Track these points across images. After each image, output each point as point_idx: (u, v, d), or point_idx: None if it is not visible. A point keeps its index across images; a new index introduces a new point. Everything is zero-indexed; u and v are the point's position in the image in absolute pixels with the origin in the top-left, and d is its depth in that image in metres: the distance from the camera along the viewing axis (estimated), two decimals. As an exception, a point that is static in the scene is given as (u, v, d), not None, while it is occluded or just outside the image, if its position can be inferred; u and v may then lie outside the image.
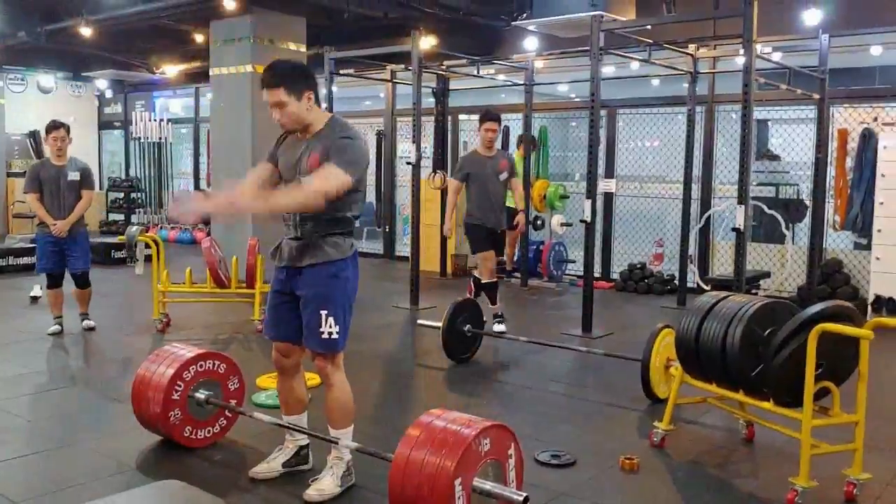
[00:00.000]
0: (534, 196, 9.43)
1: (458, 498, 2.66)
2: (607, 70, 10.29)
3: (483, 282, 6.61)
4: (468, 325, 5.63)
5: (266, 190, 3.34)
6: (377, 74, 10.52)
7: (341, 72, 8.50)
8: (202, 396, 3.81)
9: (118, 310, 6.90)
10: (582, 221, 6.66)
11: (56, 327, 6.44)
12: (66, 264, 6.38)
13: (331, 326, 3.22)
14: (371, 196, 12.09)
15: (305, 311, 3.25)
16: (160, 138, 13.74)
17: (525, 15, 8.04)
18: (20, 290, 8.25)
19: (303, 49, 9.51)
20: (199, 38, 10.49)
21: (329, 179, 3.07)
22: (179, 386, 3.74)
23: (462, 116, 11.07)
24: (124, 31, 10.20)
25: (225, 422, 3.96)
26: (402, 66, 9.13)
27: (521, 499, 2.71)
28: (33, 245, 10.01)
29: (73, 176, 6.31)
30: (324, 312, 3.22)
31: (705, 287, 7.86)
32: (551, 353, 5.91)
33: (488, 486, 2.75)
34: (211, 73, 9.57)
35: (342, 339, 3.28)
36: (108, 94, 15.48)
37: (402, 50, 7.75)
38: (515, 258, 9.47)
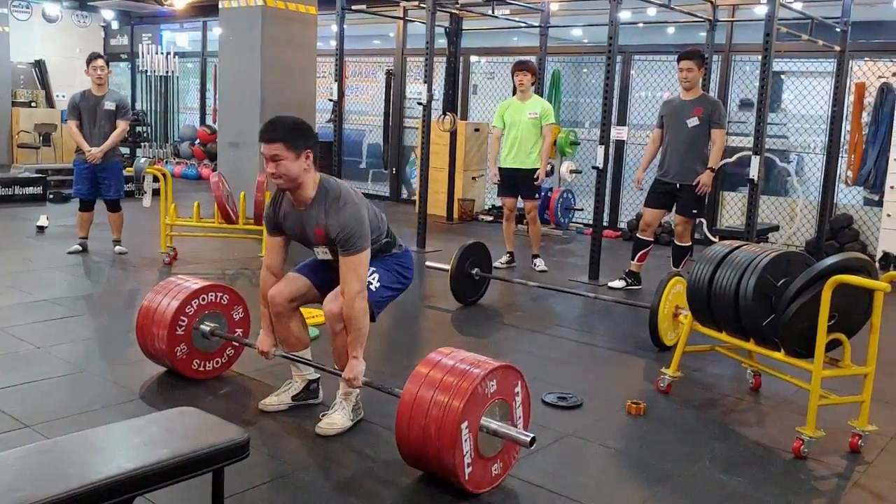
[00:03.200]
0: (544, 142, 9.32)
1: (465, 440, 2.69)
2: (623, 15, 10.12)
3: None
4: (476, 269, 5.62)
5: (283, 263, 3.46)
6: (389, 12, 10.32)
7: (353, 8, 8.32)
8: (207, 328, 3.81)
9: (125, 242, 6.89)
10: (594, 168, 6.61)
11: (77, 247, 6.80)
12: (99, 191, 6.75)
13: (372, 277, 3.32)
14: (378, 137, 12.00)
15: None
16: (167, 72, 13.55)
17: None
18: (27, 220, 8.25)
19: (315, -16, 9.31)
20: (208, -32, 10.27)
21: (355, 274, 3.15)
22: (184, 319, 3.75)
23: (473, 58, 10.91)
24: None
25: (232, 353, 3.98)
26: (416, 3, 8.93)
27: (527, 439, 2.74)
28: (39, 175, 10.06)
29: (110, 106, 6.65)
30: (372, 268, 3.31)
31: (713, 238, 7.83)
32: (559, 299, 5.92)
33: (495, 425, 2.77)
34: (220, 6, 9.38)
35: (377, 294, 3.34)
36: (115, 25, 15.24)
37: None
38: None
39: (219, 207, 6.52)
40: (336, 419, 3.31)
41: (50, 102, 14.46)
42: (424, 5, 7.46)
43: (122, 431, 2.17)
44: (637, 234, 6.42)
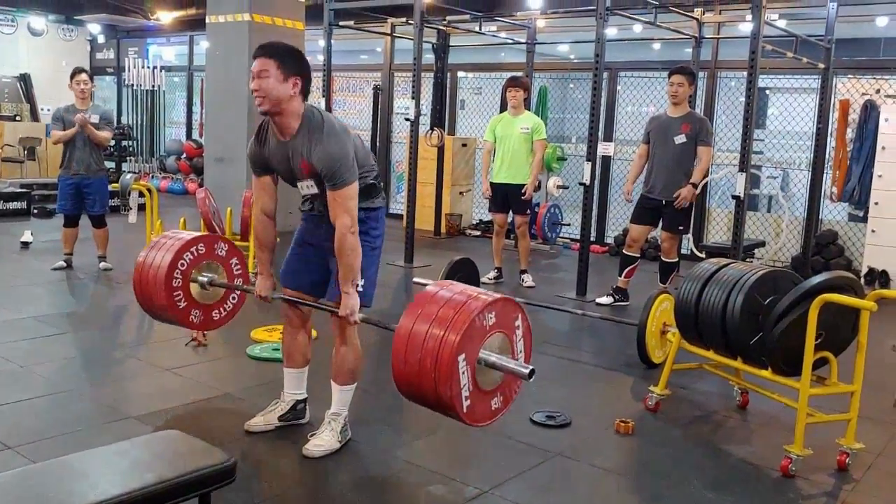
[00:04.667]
0: (531, 157, 9.35)
1: (463, 373, 2.59)
2: (609, 32, 10.19)
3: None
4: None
5: (274, 202, 3.35)
6: (377, 28, 10.34)
7: (341, 23, 8.33)
8: (205, 279, 3.74)
9: (111, 258, 6.84)
10: (581, 184, 6.63)
11: (62, 263, 6.77)
12: (83, 207, 6.72)
13: (359, 281, 3.18)
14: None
15: (333, 263, 3.20)
16: (153, 86, 13.52)
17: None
18: (11, 235, 8.17)
19: (302, -1, 9.34)
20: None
21: (343, 208, 3.05)
22: (180, 269, 3.66)
23: (461, 73, 10.94)
24: (119, -26, 9.98)
25: (233, 303, 3.94)
26: (403, 19, 8.96)
27: (526, 371, 2.64)
28: (23, 190, 9.99)
29: (94, 119, 6.63)
30: None
31: (699, 254, 7.87)
32: (547, 315, 5.91)
33: (494, 358, 2.66)
34: (207, 21, 9.39)
35: (366, 294, 3.27)
36: (101, 39, 15.18)
37: (403, 3, 7.60)
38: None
39: (205, 223, 6.49)
40: (324, 440, 3.28)
41: (35, 116, 14.37)
42: (412, 21, 7.47)
43: (107, 456, 2.14)
44: (624, 251, 6.44)
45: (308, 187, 3.21)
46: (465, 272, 5.65)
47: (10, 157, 13.34)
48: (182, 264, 3.67)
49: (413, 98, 7.50)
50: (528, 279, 6.95)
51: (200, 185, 9.91)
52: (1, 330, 4.89)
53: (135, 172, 11.92)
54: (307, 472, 3.15)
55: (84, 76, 6.65)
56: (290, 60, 3.05)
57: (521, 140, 6.69)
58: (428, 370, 2.58)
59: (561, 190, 9.54)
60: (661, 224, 6.25)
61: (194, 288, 3.74)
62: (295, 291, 3.41)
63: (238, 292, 3.93)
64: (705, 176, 6.12)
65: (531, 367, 2.65)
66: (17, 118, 14.03)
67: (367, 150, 3.38)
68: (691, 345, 3.96)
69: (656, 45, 10.32)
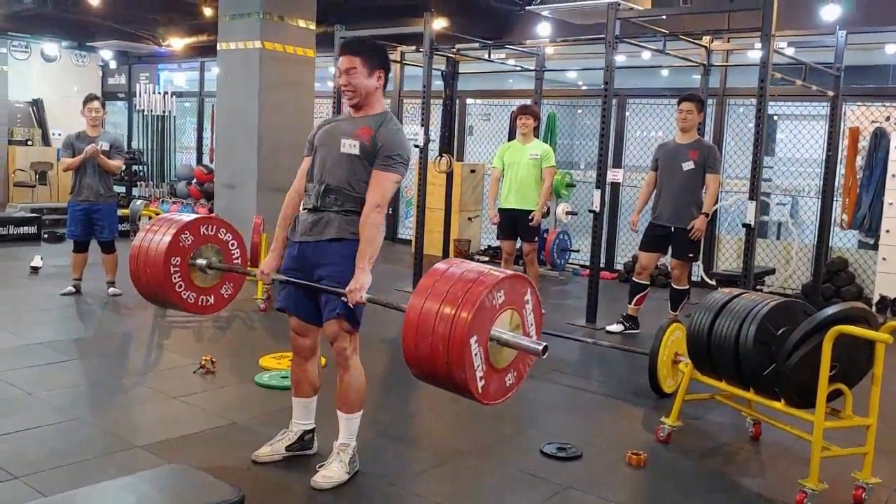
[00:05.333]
0: (539, 183, 9.36)
1: (476, 354, 2.56)
2: (619, 59, 10.23)
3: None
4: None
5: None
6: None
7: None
8: (203, 262, 3.71)
9: (120, 284, 6.84)
10: (590, 211, 6.62)
11: (71, 289, 6.78)
12: (93, 232, 6.76)
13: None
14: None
15: (324, 284, 3.22)
16: (164, 111, 13.61)
17: (539, 0, 7.93)
18: (21, 260, 8.19)
19: (312, 27, 9.39)
20: (207, 11, 10.38)
21: (381, 191, 3.17)
22: (180, 248, 3.64)
23: (469, 100, 10.99)
24: (131, 1, 10.08)
25: (230, 289, 3.89)
26: (413, 47, 9.02)
27: (539, 347, 2.61)
28: (34, 215, 10.04)
29: (104, 146, 6.67)
30: (341, 284, 3.16)
31: (709, 281, 7.83)
32: (556, 343, 5.83)
33: (507, 336, 2.63)
34: (219, 48, 9.44)
35: (358, 317, 3.26)
36: (113, 65, 15.33)
37: (413, 31, 7.66)
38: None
39: (214, 249, 6.48)
40: (332, 472, 3.25)
41: (46, 141, 14.49)
42: (422, 49, 7.52)
43: (114, 491, 2.12)
44: (633, 278, 6.41)
45: (349, 147, 3.22)
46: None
47: (21, 181, 13.44)
48: (182, 244, 3.64)
49: (422, 125, 7.53)
50: None
51: (210, 211, 9.95)
52: (8, 356, 4.89)
53: (145, 198, 11.98)
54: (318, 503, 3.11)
55: (96, 104, 6.72)
56: (375, 55, 3.26)
57: (530, 166, 6.69)
58: (441, 354, 2.55)
59: (570, 216, 9.53)
60: (670, 251, 6.22)
61: (192, 270, 3.70)
62: (299, 321, 3.40)
63: (233, 284, 3.89)
64: (715, 203, 6.10)
65: (544, 344, 2.62)
66: (29, 143, 14.15)
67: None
68: (703, 375, 3.92)
69: (665, 73, 10.35)
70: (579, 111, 11.52)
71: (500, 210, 6.88)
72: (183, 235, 3.64)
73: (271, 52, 8.97)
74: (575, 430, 4.13)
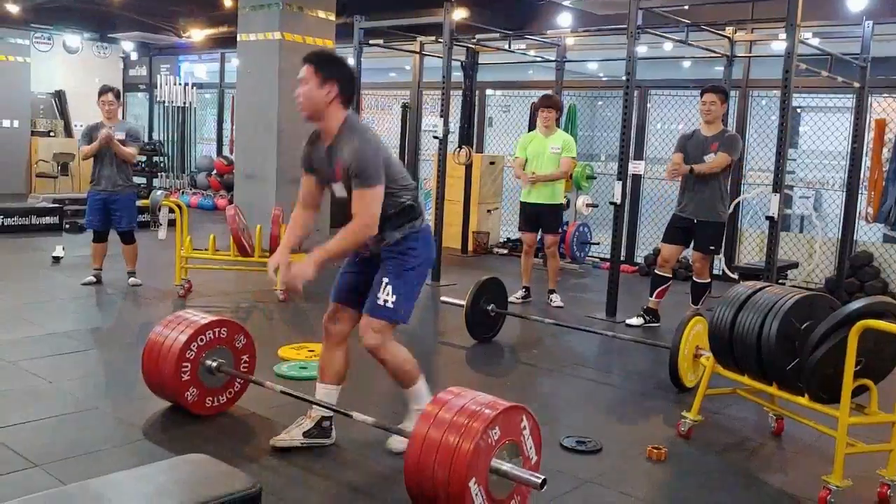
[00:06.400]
0: (559, 176, 9.30)
1: (476, 495, 2.64)
2: (640, 50, 10.12)
3: None
4: (492, 305, 5.55)
5: (316, 202, 3.47)
6: (407, 46, 10.37)
7: (370, 42, 8.36)
8: (213, 364, 3.77)
9: (140, 274, 6.87)
10: (611, 203, 6.56)
11: (91, 278, 6.82)
12: (111, 222, 6.78)
13: (388, 294, 3.26)
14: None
15: (374, 281, 3.33)
16: (184, 103, 13.66)
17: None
18: (43, 250, 8.25)
19: (332, 17, 9.38)
20: (227, 2, 10.38)
21: (365, 208, 3.13)
22: (191, 353, 3.70)
23: (489, 91, 10.93)
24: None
25: (238, 388, 3.93)
26: (432, 38, 8.97)
27: (538, 481, 2.65)
28: (56, 205, 10.11)
29: (120, 135, 6.70)
30: (385, 280, 3.28)
31: (731, 275, 7.75)
32: (576, 336, 5.84)
33: (506, 467, 2.71)
34: (238, 39, 9.47)
35: (397, 311, 3.29)
36: (134, 56, 15.42)
37: (432, 21, 7.61)
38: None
39: (234, 240, 6.50)
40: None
41: (68, 132, 14.59)
42: (441, 40, 7.47)
43: (132, 480, 2.11)
44: (655, 270, 6.35)
45: (339, 190, 3.27)
46: (492, 292, 5.60)
47: (43, 172, 13.56)
48: (197, 344, 3.73)
49: (441, 116, 7.49)
50: (556, 299, 6.88)
51: (230, 202, 9.97)
52: (29, 345, 4.92)
53: (165, 188, 12.02)
54: (329, 495, 3.10)
55: (110, 95, 6.74)
56: (327, 66, 3.17)
57: (552, 160, 6.66)
58: (441, 499, 2.65)
59: (590, 208, 9.45)
60: (692, 244, 6.15)
61: (202, 372, 3.77)
62: (336, 303, 3.49)
63: (239, 385, 3.94)
64: (706, 171, 5.90)
65: (542, 477, 2.66)
66: (52, 134, 14.27)
67: (403, 169, 3.40)
68: (726, 370, 3.87)
69: (686, 63, 10.24)
70: (600, 103, 11.42)
71: (523, 203, 6.86)
72: (200, 338, 3.73)
73: (290, 42, 8.97)
74: (595, 424, 4.10)
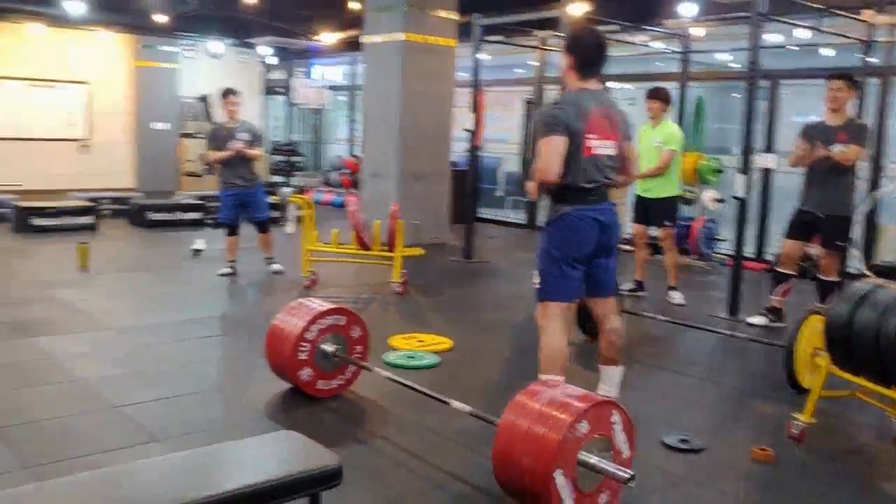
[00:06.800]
0: (685, 169, 9.03)
1: (562, 488, 2.66)
2: (772, 38, 9.66)
3: None
4: (604, 300, 5.47)
5: None
6: (527, 41, 10.37)
7: (490, 39, 8.43)
8: (329, 349, 3.96)
9: (270, 295, 7.27)
10: (734, 198, 6.33)
11: (228, 269, 7.25)
12: (245, 215, 7.26)
13: (535, 278, 3.64)
14: (516, 165, 12.06)
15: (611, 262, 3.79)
16: (319, 105, 14.22)
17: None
18: (186, 243, 8.81)
19: (454, 17, 9.51)
20: (354, 5, 10.73)
21: (537, 158, 3.48)
22: (310, 334, 3.93)
23: (614, 84, 10.75)
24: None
25: (350, 374, 4.12)
26: (551, 32, 8.94)
27: (626, 476, 2.65)
28: (200, 202, 10.79)
29: (243, 136, 7.09)
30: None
31: (869, 274, 7.28)
32: (693, 335, 5.68)
33: (593, 460, 2.72)
34: (363, 42, 9.77)
35: (543, 290, 3.62)
36: (273, 60, 16.16)
37: (553, 16, 7.58)
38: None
39: (355, 234, 6.74)
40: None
41: (213, 134, 15.50)
42: (560, 34, 7.43)
43: (229, 450, 2.28)
44: (776, 268, 6.08)
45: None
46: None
47: (191, 171, 14.49)
48: (315, 329, 3.96)
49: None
50: (676, 296, 6.71)
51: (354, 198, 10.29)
52: (165, 330, 5.32)
53: (300, 187, 12.57)
54: (427, 476, 3.19)
55: (231, 97, 7.17)
56: (566, 44, 3.65)
57: (655, 153, 6.55)
58: (527, 488, 2.71)
59: (718, 204, 9.13)
60: (820, 240, 5.84)
61: (318, 356, 3.99)
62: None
63: (351, 373, 4.14)
64: (841, 160, 5.52)
65: (631, 473, 2.67)
66: (198, 135, 15.20)
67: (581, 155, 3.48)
68: (842, 371, 3.68)
69: (823, 51, 9.69)
70: (733, 94, 10.99)
71: (636, 196, 6.78)
72: (314, 326, 3.96)
73: (413, 43, 9.17)
74: (700, 422, 4.00)
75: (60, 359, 4.57)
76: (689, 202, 9.35)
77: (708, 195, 9.06)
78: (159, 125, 14.49)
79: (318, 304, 4.08)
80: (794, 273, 5.98)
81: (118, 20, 12.45)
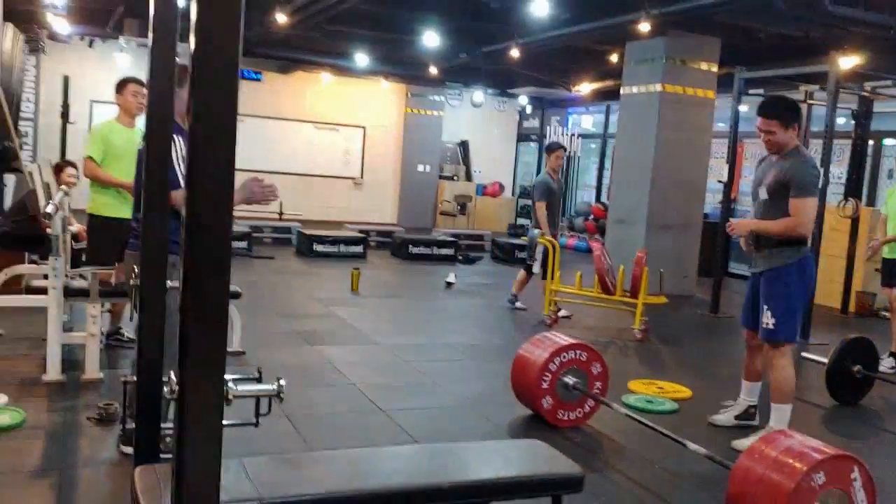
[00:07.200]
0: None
1: None
2: None
3: None
4: (859, 366, 5.23)
5: None
6: (791, 94, 10.04)
7: (751, 92, 8.34)
8: (570, 381, 4.23)
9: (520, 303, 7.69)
10: None
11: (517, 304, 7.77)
12: None
13: (768, 318, 4.05)
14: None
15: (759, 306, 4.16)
16: (570, 152, 14.66)
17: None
18: (440, 276, 9.49)
19: (714, 69, 9.51)
20: (613, 58, 11.04)
21: (798, 217, 3.93)
22: (553, 365, 4.22)
23: (889, 141, 10.08)
24: (546, 52, 11.15)
25: (588, 409, 4.33)
26: (817, 86, 8.63)
27: None
28: (452, 239, 11.58)
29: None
30: (766, 307, 4.07)
31: None
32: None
33: None
34: (622, 92, 10.03)
35: (780, 331, 4.05)
36: (528, 109, 16.92)
37: (817, 70, 7.37)
38: None
39: (598, 279, 6.96)
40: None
41: (468, 177, 16.52)
42: (825, 87, 7.21)
43: (481, 449, 2.62)
44: None
45: (762, 193, 4.13)
46: (860, 352, 5.28)
47: (446, 210, 15.52)
48: (554, 364, 4.24)
49: (822, 165, 7.20)
50: (885, 363, 6.10)
51: (602, 245, 10.49)
52: (421, 350, 5.88)
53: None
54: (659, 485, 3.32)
55: (560, 151, 7.60)
56: (787, 113, 4.07)
57: None
58: None
59: None
60: None
61: (559, 386, 4.26)
62: (748, 329, 4.38)
63: (590, 408, 4.37)
64: None
65: None
66: (455, 178, 16.27)
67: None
68: None
69: None
70: None
71: (884, 259, 6.41)
72: (558, 358, 4.26)
73: (671, 94, 9.28)
74: None
75: (338, 365, 5.25)
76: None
77: None
78: (422, 167, 15.72)
79: (562, 339, 4.36)
80: None
81: (394, 71, 13.75)
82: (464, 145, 16.73)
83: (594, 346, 4.48)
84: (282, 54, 13.02)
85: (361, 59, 12.16)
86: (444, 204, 15.61)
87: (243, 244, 10.24)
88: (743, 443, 3.99)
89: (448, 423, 4.29)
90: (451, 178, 16.15)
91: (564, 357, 4.26)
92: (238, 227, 10.63)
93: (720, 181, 8.72)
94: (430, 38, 10.02)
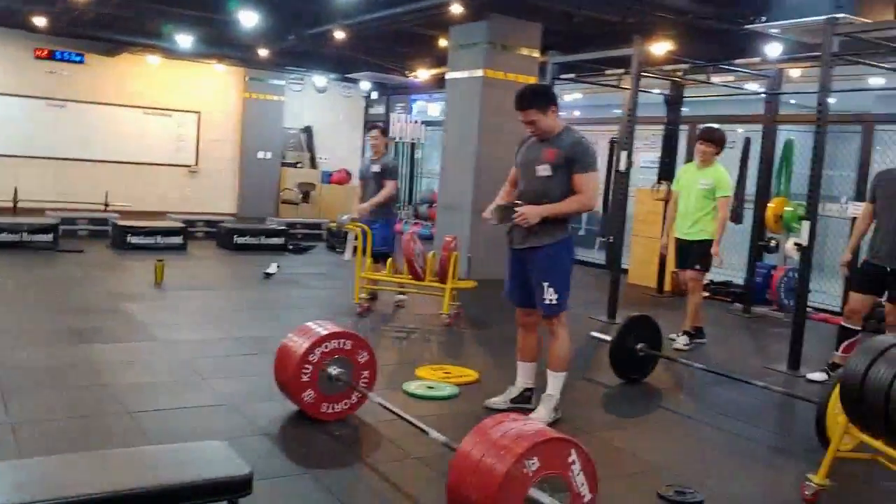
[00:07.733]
0: (769, 216, 8.66)
1: None
2: (875, 81, 9.18)
3: None
4: (642, 344, 5.31)
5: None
6: (606, 81, 10.25)
7: (562, 76, 8.41)
8: (333, 372, 4.01)
9: (327, 293, 7.46)
10: (796, 245, 6.02)
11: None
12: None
13: (551, 295, 4.16)
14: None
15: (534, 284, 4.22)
16: (413, 139, 14.54)
17: (763, 19, 7.37)
18: (263, 267, 9.08)
19: (535, 54, 9.56)
20: (443, 43, 10.95)
21: (588, 189, 4.11)
22: (313, 357, 3.98)
23: (699, 126, 10.46)
24: (377, 36, 10.93)
25: (356, 399, 4.13)
26: (622, 70, 8.83)
27: None
28: (284, 228, 11.20)
29: (376, 168, 7.38)
30: (546, 283, 4.16)
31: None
32: (736, 388, 5.38)
33: (545, 501, 2.61)
34: (447, 77, 9.94)
35: (561, 304, 4.19)
36: (374, 95, 16.66)
37: (624, 55, 7.50)
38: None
39: (407, 264, 6.82)
40: (540, 414, 4.13)
41: (313, 164, 16.10)
42: (630, 72, 7.34)
43: (161, 453, 2.36)
44: (842, 322, 5.71)
45: (543, 170, 4.13)
46: (643, 330, 5.36)
47: (288, 199, 15.05)
48: (317, 352, 4.00)
49: (624, 150, 7.35)
50: (680, 341, 6.41)
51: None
52: (205, 346, 5.53)
53: (351, 214, 12.84)
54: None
55: (374, 132, 7.49)
56: (542, 98, 4.17)
57: (700, 195, 6.33)
58: None
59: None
60: (885, 295, 5.46)
61: (322, 379, 4.02)
62: (519, 307, 4.42)
63: (357, 398, 4.14)
64: None
65: None
66: (299, 165, 15.81)
67: None
68: (860, 431, 3.41)
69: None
70: (836, 139, 10.46)
71: (676, 239, 6.60)
72: (318, 348, 4.01)
73: (493, 79, 9.26)
74: (711, 477, 3.77)
75: (99, 365, 4.84)
76: (770, 250, 8.94)
77: (791, 243, 8.63)
78: (263, 154, 15.17)
79: (324, 327, 4.14)
80: (859, 328, 5.61)
81: (229, 53, 13.18)
82: (307, 131, 16.28)
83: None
84: (106, 35, 12.22)
85: (184, 40, 11.53)
86: (286, 192, 15.14)
87: (48, 237, 9.49)
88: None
89: (198, 423, 3.97)
90: (294, 166, 15.68)
91: (326, 347, 4.04)
92: (43, 220, 9.87)
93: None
94: (248, 18, 9.56)
